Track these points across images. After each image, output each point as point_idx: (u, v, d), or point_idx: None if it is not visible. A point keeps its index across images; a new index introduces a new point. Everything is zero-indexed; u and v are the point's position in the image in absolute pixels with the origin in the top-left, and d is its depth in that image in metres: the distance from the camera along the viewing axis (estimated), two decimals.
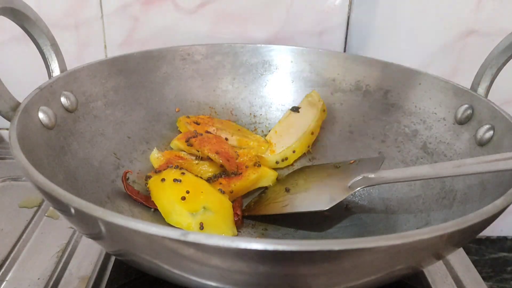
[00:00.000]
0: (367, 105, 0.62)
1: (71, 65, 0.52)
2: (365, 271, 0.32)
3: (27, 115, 0.43)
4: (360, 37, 0.71)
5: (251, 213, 0.54)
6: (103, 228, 0.31)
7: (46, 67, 0.51)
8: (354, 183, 0.49)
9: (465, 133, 0.52)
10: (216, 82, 0.65)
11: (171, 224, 0.48)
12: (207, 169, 0.57)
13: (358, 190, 0.50)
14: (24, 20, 0.47)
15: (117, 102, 0.57)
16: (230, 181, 0.55)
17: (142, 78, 0.60)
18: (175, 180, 0.51)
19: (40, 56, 0.50)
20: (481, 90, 0.52)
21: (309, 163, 0.62)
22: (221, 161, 0.55)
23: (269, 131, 0.65)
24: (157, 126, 0.61)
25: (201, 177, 0.55)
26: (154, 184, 0.52)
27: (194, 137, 0.57)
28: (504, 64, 0.51)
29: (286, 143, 0.62)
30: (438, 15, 0.69)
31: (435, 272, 0.52)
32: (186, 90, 0.64)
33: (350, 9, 0.69)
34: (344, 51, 0.72)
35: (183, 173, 0.53)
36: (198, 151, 0.56)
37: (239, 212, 0.52)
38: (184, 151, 0.58)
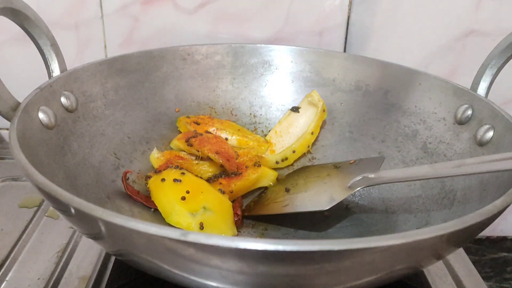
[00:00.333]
0: (367, 105, 0.62)
1: (71, 65, 0.52)
2: (365, 271, 0.32)
3: (27, 115, 0.43)
4: (360, 37, 0.71)
5: (251, 213, 0.54)
6: (103, 228, 0.31)
7: (46, 67, 0.51)
8: (354, 183, 0.49)
9: (465, 133, 0.52)
10: (216, 82, 0.65)
11: (171, 224, 0.48)
12: (207, 169, 0.57)
13: (358, 190, 0.50)
14: (24, 20, 0.47)
15: (117, 102, 0.57)
16: (230, 181, 0.55)
17: (142, 78, 0.60)
18: (175, 180, 0.51)
19: (40, 56, 0.50)
20: (481, 90, 0.52)
21: (309, 163, 0.62)
22: (221, 161, 0.55)
23: (269, 131, 0.65)
24: (157, 126, 0.61)
25: (201, 177, 0.55)
26: (154, 184, 0.52)
27: (194, 137, 0.57)
28: (504, 64, 0.51)
29: (286, 143, 0.62)
30: (438, 15, 0.69)
31: (435, 272, 0.52)
32: (186, 90, 0.64)
33: (350, 9, 0.69)
34: (344, 51, 0.72)
35: (183, 173, 0.53)
36: (198, 151, 0.56)
37: (239, 212, 0.52)
38: (184, 151, 0.58)
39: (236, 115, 0.66)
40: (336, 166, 0.57)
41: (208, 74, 0.65)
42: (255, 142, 0.61)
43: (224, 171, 0.57)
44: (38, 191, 0.34)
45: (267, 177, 0.58)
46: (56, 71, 0.51)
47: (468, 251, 0.56)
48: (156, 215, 0.50)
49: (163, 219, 0.49)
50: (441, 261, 0.53)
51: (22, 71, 0.70)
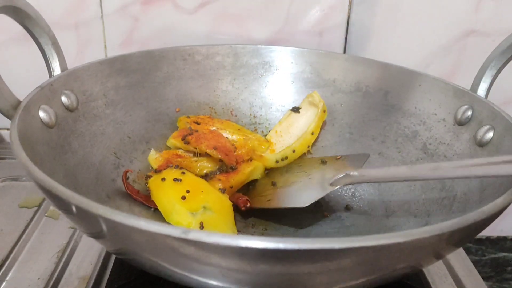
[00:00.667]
0: (367, 106, 0.62)
1: (71, 65, 0.52)
2: (365, 270, 0.32)
3: (28, 114, 0.43)
4: (360, 37, 0.71)
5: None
6: (104, 226, 0.31)
7: (47, 66, 0.51)
8: (336, 180, 0.49)
9: (465, 134, 0.52)
10: (217, 82, 0.65)
11: (171, 223, 0.48)
12: (206, 165, 0.57)
13: (339, 188, 0.50)
14: (25, 18, 0.47)
15: (117, 101, 0.57)
16: (228, 176, 0.55)
17: (142, 78, 0.60)
18: (175, 179, 0.51)
19: (41, 56, 0.50)
20: (481, 91, 0.52)
21: None
22: (220, 156, 0.55)
23: (269, 131, 0.65)
24: (157, 126, 0.61)
25: (201, 176, 0.55)
26: (154, 183, 0.52)
27: (190, 134, 0.57)
28: (504, 65, 0.51)
29: (286, 142, 0.62)
30: (438, 15, 0.70)
31: (435, 272, 0.52)
32: (187, 90, 0.64)
33: (350, 9, 0.70)
34: (344, 51, 0.72)
35: (183, 173, 0.53)
36: (196, 148, 0.56)
37: (245, 203, 0.53)
38: (181, 149, 0.58)
39: (236, 116, 0.66)
40: (323, 162, 0.57)
41: (208, 75, 0.65)
42: (255, 141, 0.61)
43: (222, 166, 0.57)
44: (39, 189, 0.34)
45: (257, 169, 0.59)
46: (56, 70, 0.51)
47: (468, 251, 0.56)
48: (156, 214, 0.50)
49: (163, 218, 0.49)
50: (441, 261, 0.53)
51: (23, 70, 0.70)
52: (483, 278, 0.52)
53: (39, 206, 0.59)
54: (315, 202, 0.55)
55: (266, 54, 0.66)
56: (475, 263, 0.54)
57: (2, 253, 0.51)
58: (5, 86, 0.42)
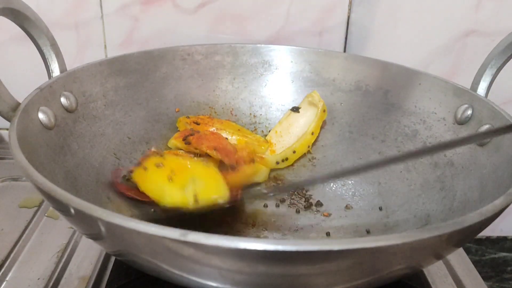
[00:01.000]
0: (367, 105, 0.62)
1: (71, 65, 0.52)
2: (365, 271, 0.32)
3: (27, 115, 0.43)
4: (360, 37, 0.71)
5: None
6: (102, 228, 0.31)
7: (46, 67, 0.51)
8: None
9: (464, 133, 0.52)
10: (216, 82, 0.65)
11: (167, 206, 0.48)
12: None
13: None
14: (24, 20, 0.47)
15: (117, 102, 0.57)
16: (227, 175, 0.55)
17: (142, 78, 0.60)
18: (157, 165, 0.50)
19: (40, 57, 0.50)
20: (481, 90, 0.52)
21: (309, 164, 0.62)
22: (219, 156, 0.55)
23: (269, 131, 0.65)
24: (157, 126, 0.61)
25: None
26: (138, 176, 0.51)
27: (191, 135, 0.57)
28: (504, 64, 0.51)
29: (286, 143, 0.62)
30: (438, 15, 0.69)
31: (435, 272, 0.52)
32: (186, 90, 0.64)
33: (350, 9, 0.69)
34: (344, 51, 0.72)
35: (162, 156, 0.52)
36: (196, 149, 0.56)
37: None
38: (182, 149, 0.58)
39: (236, 115, 0.66)
40: None
41: (208, 74, 0.65)
42: (255, 142, 0.61)
43: (221, 166, 0.57)
44: (37, 191, 0.34)
45: (261, 173, 0.59)
46: (56, 71, 0.51)
47: (468, 251, 0.56)
48: (157, 215, 0.50)
49: (165, 220, 0.49)
50: (441, 261, 0.53)
51: (22, 71, 0.70)
52: (483, 278, 0.52)
53: (39, 206, 0.59)
54: (315, 202, 0.56)
55: (265, 53, 0.65)
56: (475, 263, 0.54)
57: (2, 253, 0.51)
58: (4, 88, 0.42)
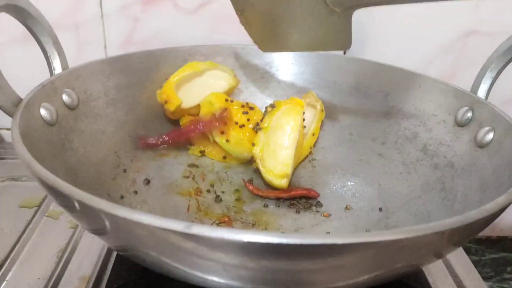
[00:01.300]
0: (367, 107, 0.62)
1: (71, 65, 0.52)
2: (367, 267, 0.32)
3: (29, 111, 0.43)
4: (360, 38, 0.71)
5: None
6: (106, 222, 0.31)
7: (48, 65, 0.51)
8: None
9: (465, 135, 0.52)
10: None
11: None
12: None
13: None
14: (26, 17, 0.47)
15: (118, 100, 0.57)
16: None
17: (143, 77, 0.60)
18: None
19: (42, 56, 0.50)
20: (481, 92, 0.53)
21: (309, 165, 0.62)
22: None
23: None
24: (158, 126, 0.61)
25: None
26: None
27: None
28: (504, 66, 0.51)
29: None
30: (438, 15, 0.70)
31: (435, 272, 0.52)
32: None
33: None
34: (344, 52, 0.72)
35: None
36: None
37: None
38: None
39: None
40: None
41: None
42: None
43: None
44: (41, 186, 0.34)
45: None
46: (58, 69, 0.51)
47: (468, 251, 0.56)
48: (158, 211, 0.51)
49: (167, 213, 0.49)
50: (441, 261, 0.53)
51: (24, 69, 0.70)
52: (483, 278, 0.52)
53: (39, 206, 0.58)
54: (315, 202, 0.56)
55: (266, 54, 0.66)
56: (475, 263, 0.54)
57: (2, 253, 0.50)
58: (7, 83, 0.42)
